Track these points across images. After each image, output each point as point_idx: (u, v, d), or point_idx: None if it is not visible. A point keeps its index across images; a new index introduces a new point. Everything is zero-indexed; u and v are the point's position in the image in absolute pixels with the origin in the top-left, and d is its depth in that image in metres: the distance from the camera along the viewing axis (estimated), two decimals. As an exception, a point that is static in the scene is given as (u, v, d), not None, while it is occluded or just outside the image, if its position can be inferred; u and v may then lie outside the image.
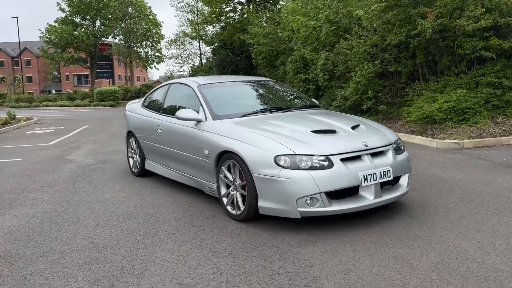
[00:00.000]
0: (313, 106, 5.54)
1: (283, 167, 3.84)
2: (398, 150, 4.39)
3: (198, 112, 4.93)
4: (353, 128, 4.41)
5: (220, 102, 5.18)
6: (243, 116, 4.81)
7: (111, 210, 4.91)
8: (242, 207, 4.22)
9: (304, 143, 3.99)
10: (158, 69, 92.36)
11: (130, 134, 6.72)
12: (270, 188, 3.90)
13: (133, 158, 6.70)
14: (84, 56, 38.64)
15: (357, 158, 4.03)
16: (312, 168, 3.82)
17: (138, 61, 43.15)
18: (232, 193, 4.36)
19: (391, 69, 10.82)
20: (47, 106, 34.97)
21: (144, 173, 6.38)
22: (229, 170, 4.39)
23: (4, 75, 43.94)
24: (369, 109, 11.21)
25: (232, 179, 4.34)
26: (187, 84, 5.54)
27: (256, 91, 5.74)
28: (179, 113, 4.94)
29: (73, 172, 7.16)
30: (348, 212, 3.94)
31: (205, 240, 3.85)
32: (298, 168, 3.81)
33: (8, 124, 16.77)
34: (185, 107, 5.30)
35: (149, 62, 42.74)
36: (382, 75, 11.65)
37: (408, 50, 10.59)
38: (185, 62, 37.83)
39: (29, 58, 66.22)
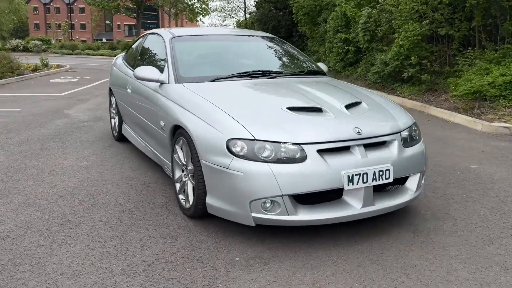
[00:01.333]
0: (316, 72, 4.36)
1: (236, 155, 2.80)
2: (409, 140, 3.21)
3: (163, 71, 3.91)
4: (349, 106, 3.24)
5: (193, 60, 4.13)
6: (213, 80, 3.75)
7: (54, 183, 4.08)
8: (191, 200, 3.25)
9: (271, 125, 2.90)
10: (203, 22, 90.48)
11: (110, 91, 5.84)
12: (220, 181, 2.89)
13: (114, 119, 5.83)
14: (131, 5, 37.93)
15: (345, 150, 2.91)
16: (277, 160, 2.75)
17: (184, 12, 41.97)
18: (185, 179, 3.39)
19: (441, 32, 9.20)
20: (88, 54, 34.92)
21: (123, 137, 5.51)
22: (182, 150, 3.40)
23: (51, 22, 44.22)
24: (410, 78, 9.72)
25: (184, 162, 3.36)
26: (160, 35, 4.49)
27: (247, 49, 4.60)
28: (138, 70, 3.92)
29: (56, 130, 6.44)
30: (322, 224, 2.87)
31: (129, 243, 2.93)
32: (256, 159, 2.76)
33: (38, 71, 16.47)
34: (157, 63, 4.30)
35: (196, 14, 41.41)
36: (430, 39, 10.02)
37: (464, 10, 8.89)
38: (229, 16, 36.30)
39: (83, 6, 66.77)
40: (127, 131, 5.18)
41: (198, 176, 3.05)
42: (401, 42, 9.41)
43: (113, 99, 5.75)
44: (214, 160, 2.88)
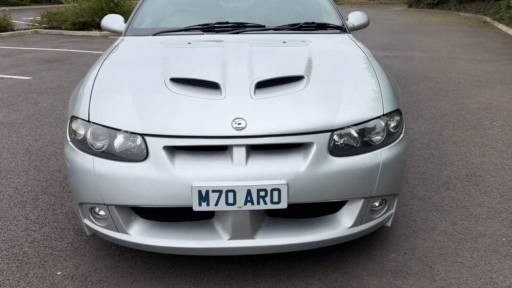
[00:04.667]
0: (325, 27, 3.13)
1: (72, 140, 2.10)
2: (358, 144, 1.96)
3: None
4: (267, 84, 2.11)
5: (162, 8, 3.37)
6: (156, 34, 2.97)
7: (36, 136, 3.97)
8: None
9: (125, 104, 2.06)
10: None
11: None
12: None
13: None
14: None
15: (217, 151, 1.92)
16: (109, 155, 1.96)
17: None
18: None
19: None
20: None
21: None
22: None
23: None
24: None
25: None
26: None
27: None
28: (104, 19, 3.39)
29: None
30: (166, 252, 2.00)
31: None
32: (84, 149, 2.01)
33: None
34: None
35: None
36: None
37: None
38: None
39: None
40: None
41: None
42: None
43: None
44: (64, 140, 2.24)
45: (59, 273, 2.12)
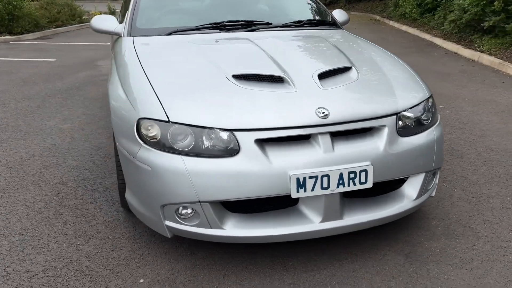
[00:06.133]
0: (323, 23, 3.35)
1: (146, 142, 2.05)
2: (413, 125, 2.22)
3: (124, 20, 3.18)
4: (325, 75, 2.28)
5: (158, 7, 3.32)
6: (171, 33, 2.94)
7: (17, 149, 3.63)
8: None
9: (201, 101, 2.08)
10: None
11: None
12: (132, 174, 2.17)
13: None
14: None
15: (302, 140, 2.03)
16: (197, 153, 1.96)
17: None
18: (124, 160, 2.72)
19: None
20: None
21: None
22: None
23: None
24: (492, 28, 8.01)
25: (121, 140, 2.67)
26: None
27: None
28: (94, 20, 3.22)
29: (71, 84, 6.04)
30: (260, 242, 2.07)
31: (30, 242, 2.36)
32: (169, 149, 1.98)
33: (103, 18, 16.45)
34: (124, 13, 3.57)
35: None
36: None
37: None
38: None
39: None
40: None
41: (116, 161, 2.37)
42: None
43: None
44: (125, 145, 2.15)
45: (141, 280, 2.06)
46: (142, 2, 3.21)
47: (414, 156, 2.16)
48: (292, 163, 1.94)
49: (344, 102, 2.11)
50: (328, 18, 3.45)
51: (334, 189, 1.98)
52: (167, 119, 2.00)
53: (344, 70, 2.37)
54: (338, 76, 2.32)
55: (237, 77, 2.22)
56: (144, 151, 2.02)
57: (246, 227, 2.02)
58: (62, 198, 2.83)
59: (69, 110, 4.78)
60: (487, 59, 7.29)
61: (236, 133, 1.95)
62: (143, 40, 2.85)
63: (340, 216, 2.07)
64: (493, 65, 7.05)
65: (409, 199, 2.24)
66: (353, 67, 2.40)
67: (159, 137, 2.00)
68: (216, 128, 1.95)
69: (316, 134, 2.01)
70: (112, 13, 17.71)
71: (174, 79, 2.26)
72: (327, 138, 2.01)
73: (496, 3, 7.61)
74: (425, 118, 2.29)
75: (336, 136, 2.05)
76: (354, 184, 2.01)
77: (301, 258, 2.21)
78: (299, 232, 2.03)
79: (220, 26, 3.01)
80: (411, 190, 2.25)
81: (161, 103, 2.06)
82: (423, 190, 2.27)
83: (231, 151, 1.95)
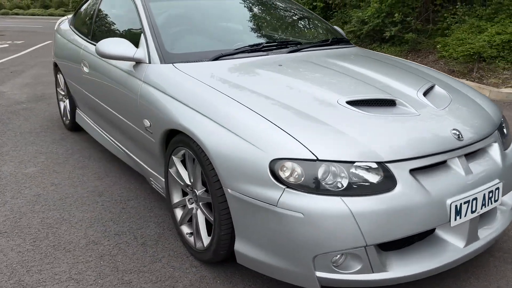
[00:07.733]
0: (339, 41, 3.32)
1: (288, 185, 1.78)
2: (505, 137, 2.33)
3: (138, 46, 2.73)
4: (426, 94, 2.28)
5: (179, 28, 2.96)
6: (217, 58, 2.63)
7: (-10, 209, 2.89)
8: (205, 240, 2.22)
9: (336, 134, 1.89)
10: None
11: (56, 66, 4.51)
12: (260, 223, 1.86)
13: (63, 102, 4.54)
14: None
15: (439, 165, 1.96)
16: (352, 192, 1.76)
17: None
18: (191, 206, 2.33)
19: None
20: (17, 14, 30.83)
21: (77, 126, 4.27)
22: (185, 164, 2.33)
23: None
24: (392, 37, 8.86)
25: (189, 183, 2.29)
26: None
27: (249, 9, 3.43)
28: (103, 44, 2.68)
29: (-15, 116, 5.04)
30: (418, 278, 1.95)
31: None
32: (323, 191, 1.75)
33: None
34: (126, 33, 3.10)
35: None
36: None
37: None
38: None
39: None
40: (84, 120, 3.96)
41: (220, 210, 2.01)
42: (382, -3, 8.52)
43: (60, 77, 4.44)
44: (249, 191, 1.85)
45: None
46: (159, 24, 2.80)
47: (513, 167, 2.25)
48: (446, 190, 1.87)
49: (467, 121, 2.11)
50: (341, 35, 3.43)
51: (479, 211, 1.96)
52: (314, 157, 1.76)
53: (431, 88, 2.37)
54: (433, 94, 2.31)
55: (352, 103, 2.07)
56: (290, 196, 1.75)
57: (407, 265, 1.88)
58: (110, 261, 2.32)
59: (15, 150, 3.97)
60: (397, 66, 8.01)
61: (388, 164, 1.81)
62: (194, 67, 2.48)
63: (477, 237, 2.05)
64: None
65: (508, 207, 2.31)
66: (435, 85, 2.41)
67: (303, 179, 1.76)
68: (369, 162, 1.79)
69: (453, 158, 1.96)
70: None
71: (284, 111, 2.01)
72: (464, 159, 1.98)
73: (396, 15, 8.43)
74: (504, 126, 2.40)
75: (466, 156, 2.03)
76: (491, 203, 2.01)
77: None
78: (451, 261, 1.95)
79: (259, 48, 2.77)
80: (509, 199, 2.32)
81: (297, 140, 1.81)
82: (516, 198, 2.37)
83: (387, 185, 1.79)
